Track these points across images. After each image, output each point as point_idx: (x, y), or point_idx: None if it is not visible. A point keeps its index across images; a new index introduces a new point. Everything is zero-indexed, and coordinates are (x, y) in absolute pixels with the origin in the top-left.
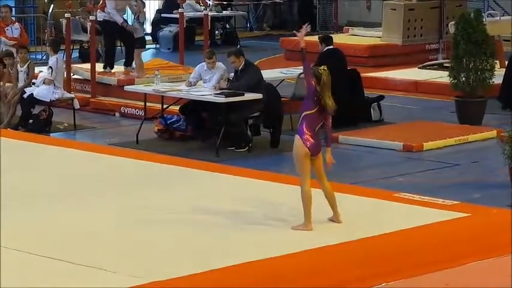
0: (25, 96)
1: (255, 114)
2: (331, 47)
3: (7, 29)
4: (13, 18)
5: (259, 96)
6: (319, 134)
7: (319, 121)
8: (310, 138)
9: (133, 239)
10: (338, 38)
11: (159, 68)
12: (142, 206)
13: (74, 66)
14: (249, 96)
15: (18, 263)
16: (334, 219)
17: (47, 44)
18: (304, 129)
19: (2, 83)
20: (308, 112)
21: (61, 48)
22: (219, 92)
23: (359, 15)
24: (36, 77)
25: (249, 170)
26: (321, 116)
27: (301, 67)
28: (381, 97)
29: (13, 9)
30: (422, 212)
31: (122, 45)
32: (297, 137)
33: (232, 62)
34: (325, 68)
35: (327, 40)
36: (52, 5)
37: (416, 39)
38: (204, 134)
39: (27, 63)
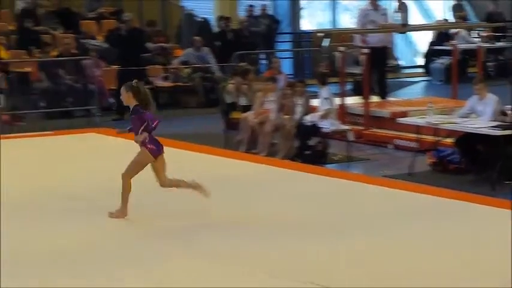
0: (306, 123)
1: None
2: None
3: None
4: (281, 70)
5: None
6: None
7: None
8: (153, 146)
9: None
10: None
11: (431, 101)
12: (417, 239)
13: (348, 103)
14: None
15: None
16: (200, 191)
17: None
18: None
19: (281, 114)
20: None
21: (329, 81)
22: (495, 124)
23: None
24: (311, 110)
25: None
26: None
27: None
28: None
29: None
30: None
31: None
32: (142, 148)
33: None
34: (137, 81)
35: None
36: (328, 39)
37: None
38: (479, 167)
39: (304, 96)
